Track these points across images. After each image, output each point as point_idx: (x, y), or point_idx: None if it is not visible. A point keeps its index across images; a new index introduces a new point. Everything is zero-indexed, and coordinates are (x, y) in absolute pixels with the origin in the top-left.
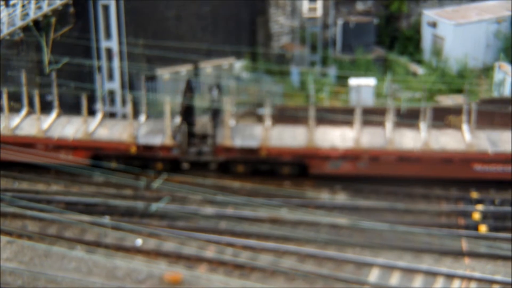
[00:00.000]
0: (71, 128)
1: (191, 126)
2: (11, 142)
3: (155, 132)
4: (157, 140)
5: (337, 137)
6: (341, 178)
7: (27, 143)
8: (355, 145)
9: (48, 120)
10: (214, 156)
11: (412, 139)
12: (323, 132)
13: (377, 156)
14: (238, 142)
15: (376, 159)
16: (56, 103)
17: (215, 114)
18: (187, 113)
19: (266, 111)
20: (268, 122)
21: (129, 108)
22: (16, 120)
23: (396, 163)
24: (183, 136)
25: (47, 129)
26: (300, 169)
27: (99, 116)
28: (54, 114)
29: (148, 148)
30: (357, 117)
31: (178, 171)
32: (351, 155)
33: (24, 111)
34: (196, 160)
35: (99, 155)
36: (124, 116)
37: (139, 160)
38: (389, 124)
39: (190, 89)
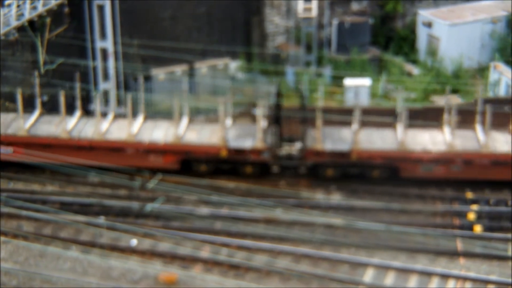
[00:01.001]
0: (160, 132)
1: (280, 129)
2: (102, 146)
3: (244, 135)
4: (247, 144)
5: (427, 140)
6: (433, 181)
7: (117, 148)
8: (449, 148)
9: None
10: (303, 160)
11: (505, 143)
12: (413, 135)
13: (471, 159)
14: (329, 145)
15: (470, 162)
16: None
17: (304, 116)
18: (276, 116)
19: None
20: (355, 125)
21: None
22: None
23: (490, 166)
24: (274, 139)
25: (137, 133)
26: (391, 172)
27: (185, 119)
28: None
29: (238, 151)
30: (449, 119)
31: (267, 175)
32: (445, 159)
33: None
34: (286, 164)
35: (189, 159)
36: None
37: (229, 164)
38: (479, 127)
39: (280, 92)
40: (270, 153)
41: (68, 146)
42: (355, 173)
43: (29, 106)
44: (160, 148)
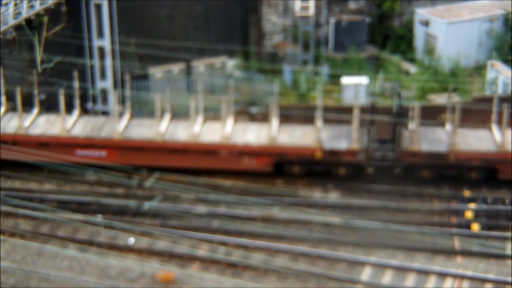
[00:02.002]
0: (252, 134)
1: (375, 130)
2: (196, 149)
3: (338, 136)
4: (343, 145)
5: None
6: None
7: (211, 150)
8: None
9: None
10: (399, 161)
11: None
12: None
13: None
14: (426, 146)
15: None
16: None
17: (399, 116)
18: (371, 116)
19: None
20: (449, 125)
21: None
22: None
23: None
24: (369, 140)
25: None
26: (488, 174)
27: (276, 121)
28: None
29: (333, 152)
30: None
31: (361, 176)
32: None
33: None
34: (380, 165)
35: (282, 161)
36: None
37: (322, 166)
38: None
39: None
40: (365, 154)
41: (161, 149)
42: (452, 175)
43: (27, 105)
44: (254, 150)
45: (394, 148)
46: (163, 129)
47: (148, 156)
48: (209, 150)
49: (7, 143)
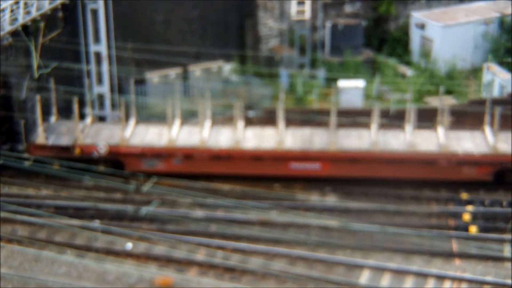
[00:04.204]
0: (468, 142)
1: None
2: (412, 158)
3: None
4: None
5: None
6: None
7: (428, 160)
8: None
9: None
10: None
11: None
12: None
13: None
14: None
15: None
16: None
17: None
18: None
19: None
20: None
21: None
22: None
23: None
24: None
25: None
26: None
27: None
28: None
29: None
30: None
31: None
32: None
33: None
34: None
35: (504, 169)
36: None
37: None
38: None
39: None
40: None
41: (377, 160)
42: None
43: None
44: (475, 159)
45: None
46: (375, 138)
47: (362, 167)
48: (427, 160)
49: (220, 158)
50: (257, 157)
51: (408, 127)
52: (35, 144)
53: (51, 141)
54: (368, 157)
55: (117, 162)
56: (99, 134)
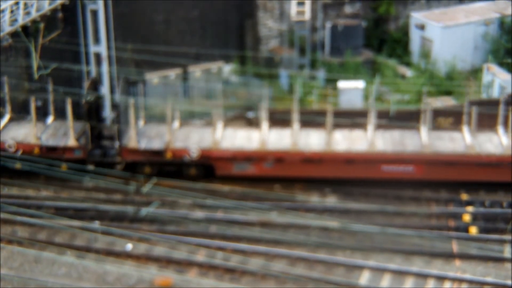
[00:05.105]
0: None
1: None
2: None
3: None
4: None
5: None
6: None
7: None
8: None
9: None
10: None
11: None
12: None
13: None
14: None
15: None
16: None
17: None
18: None
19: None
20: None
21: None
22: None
23: None
24: None
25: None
26: None
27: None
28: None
29: None
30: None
31: None
32: None
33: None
34: None
35: None
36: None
37: None
38: None
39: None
40: None
41: (472, 163)
42: None
43: (23, 112)
44: None
45: None
46: (470, 141)
47: (456, 170)
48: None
49: (312, 161)
50: (349, 160)
51: (500, 130)
52: (127, 148)
53: (143, 145)
54: (464, 160)
55: (208, 166)
56: (189, 138)
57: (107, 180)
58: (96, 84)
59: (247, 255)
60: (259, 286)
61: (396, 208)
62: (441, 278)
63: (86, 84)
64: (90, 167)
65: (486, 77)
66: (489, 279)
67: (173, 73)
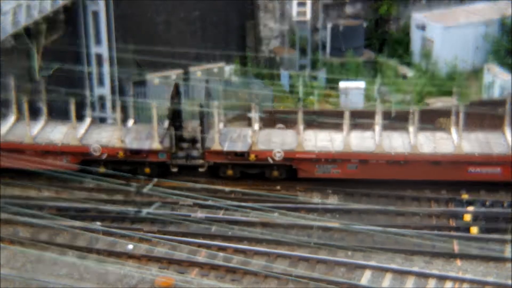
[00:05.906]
0: None
1: None
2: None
3: None
4: None
5: None
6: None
7: None
8: None
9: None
10: None
11: None
12: None
13: None
14: None
15: None
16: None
17: None
18: None
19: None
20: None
21: None
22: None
23: None
24: None
25: None
26: None
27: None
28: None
29: None
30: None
31: None
32: None
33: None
34: None
35: None
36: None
37: None
38: None
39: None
40: None
41: None
42: None
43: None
44: None
45: None
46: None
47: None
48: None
49: (397, 163)
50: (435, 161)
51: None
52: (211, 151)
53: (226, 147)
54: None
55: (290, 168)
56: (270, 140)
57: (109, 181)
58: (178, 88)
59: (249, 256)
60: (261, 287)
61: (397, 208)
62: (442, 278)
63: (170, 89)
64: (174, 169)
65: (486, 78)
66: (490, 279)
67: (174, 74)
